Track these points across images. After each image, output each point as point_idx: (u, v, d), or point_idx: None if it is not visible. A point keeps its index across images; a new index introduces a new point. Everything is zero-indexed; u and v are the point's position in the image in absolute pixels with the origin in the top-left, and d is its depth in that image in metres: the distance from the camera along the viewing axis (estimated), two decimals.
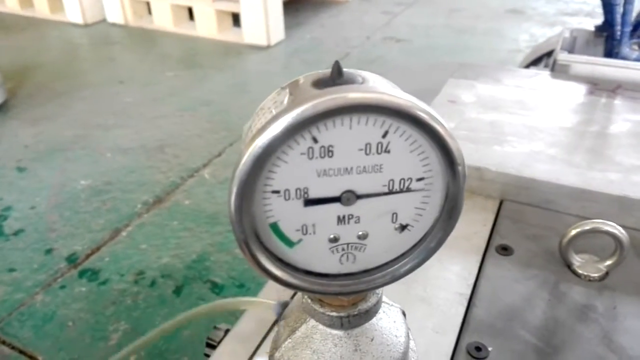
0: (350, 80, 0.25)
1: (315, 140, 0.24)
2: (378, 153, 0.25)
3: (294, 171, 0.24)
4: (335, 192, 0.25)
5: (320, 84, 0.25)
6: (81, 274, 1.43)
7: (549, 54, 1.26)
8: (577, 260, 0.58)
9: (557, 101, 0.89)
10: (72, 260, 1.48)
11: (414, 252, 0.27)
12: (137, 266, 1.45)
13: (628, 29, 1.01)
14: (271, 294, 0.60)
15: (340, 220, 0.26)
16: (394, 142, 0.24)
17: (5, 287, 1.39)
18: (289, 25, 3.24)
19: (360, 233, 0.27)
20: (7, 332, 1.26)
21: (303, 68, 2.78)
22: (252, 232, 0.26)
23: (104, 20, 3.54)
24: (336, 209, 0.26)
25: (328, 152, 0.24)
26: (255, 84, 2.70)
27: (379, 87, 0.24)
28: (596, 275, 0.57)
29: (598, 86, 0.95)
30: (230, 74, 2.78)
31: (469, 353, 0.49)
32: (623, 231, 0.55)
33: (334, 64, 0.25)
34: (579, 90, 0.94)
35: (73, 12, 3.48)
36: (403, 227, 0.27)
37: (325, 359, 0.30)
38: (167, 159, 2.00)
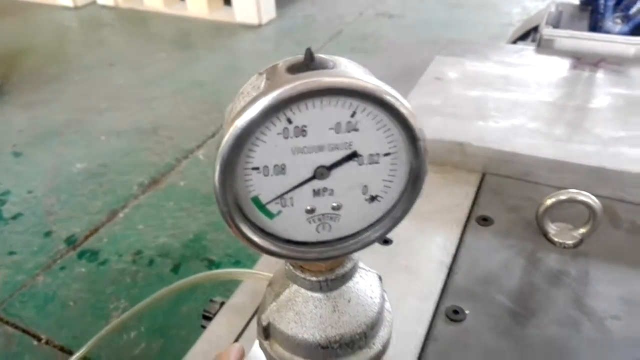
0: (321, 65, 0.27)
1: (289, 121, 0.26)
2: (347, 131, 0.27)
3: (272, 149, 0.27)
4: (309, 168, 0.28)
5: (295, 69, 0.27)
6: (80, 255, 1.46)
7: (536, 28, 1.28)
8: (552, 228, 0.61)
9: (540, 76, 0.92)
10: (70, 242, 1.51)
11: (382, 221, 0.30)
12: (135, 246, 1.48)
13: (611, 2, 1.02)
14: (265, 268, 0.62)
15: (316, 193, 0.29)
16: (362, 121, 0.27)
17: (6, 270, 1.42)
18: (280, 3, 3.23)
19: (334, 204, 0.29)
20: (10, 312, 1.29)
21: (295, 47, 2.78)
22: (235, 205, 0.28)
23: (94, 3, 3.52)
24: (312, 183, 0.28)
25: (302, 131, 0.27)
26: (247, 64, 2.70)
27: (348, 72, 0.26)
28: (571, 242, 0.61)
29: (581, 60, 0.97)
30: (222, 54, 2.78)
31: (447, 316, 0.53)
32: (597, 200, 0.58)
33: (306, 50, 0.27)
34: (562, 65, 0.96)
35: None
36: (373, 198, 0.30)
37: (307, 320, 0.33)
38: (161, 140, 2.02)
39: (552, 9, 1.16)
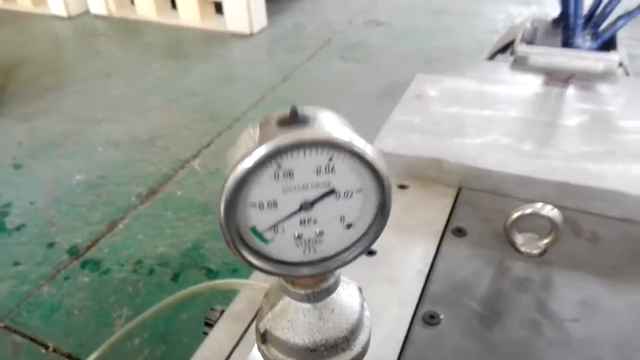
0: (304, 120, 0.33)
1: (279, 166, 0.33)
2: (326, 173, 0.33)
3: (265, 189, 0.33)
4: (296, 202, 0.34)
5: (283, 123, 0.33)
6: (83, 265, 1.52)
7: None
8: (519, 239, 0.68)
9: (513, 92, 0.98)
10: (73, 252, 1.57)
11: (358, 244, 0.37)
12: (135, 256, 1.54)
13: (580, 20, 1.09)
14: (260, 277, 0.69)
15: (302, 222, 0.35)
16: (337, 165, 0.33)
17: (11, 280, 1.47)
18: (271, 12, 3.29)
19: (317, 231, 0.36)
20: (17, 321, 1.35)
21: (287, 56, 2.85)
22: (237, 234, 0.34)
23: (87, 12, 3.57)
24: (298, 214, 0.35)
25: (289, 174, 0.33)
26: (240, 73, 2.77)
27: (325, 126, 0.33)
28: (536, 252, 0.67)
29: (552, 76, 1.04)
30: (215, 63, 2.84)
31: (424, 321, 0.59)
32: (558, 214, 0.64)
33: (291, 109, 0.33)
34: (534, 81, 1.03)
35: (56, 5, 3.50)
36: (349, 226, 0.36)
37: (297, 327, 0.39)
38: (157, 151, 2.08)
39: (528, 25, 1.24)
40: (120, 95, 2.53)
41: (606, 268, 0.65)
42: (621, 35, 1.17)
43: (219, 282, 0.74)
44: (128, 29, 3.35)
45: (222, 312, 0.70)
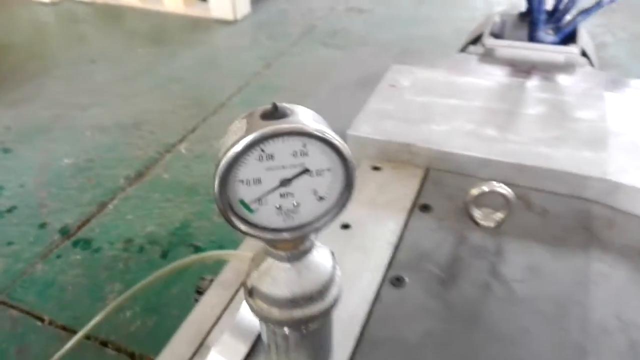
0: (283, 114, 0.41)
1: (262, 150, 0.40)
2: (301, 156, 0.41)
3: (251, 169, 0.41)
4: (277, 180, 0.42)
5: (265, 116, 0.41)
6: (75, 244, 1.59)
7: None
8: (478, 213, 0.77)
9: (479, 83, 1.07)
10: (64, 232, 1.63)
11: (328, 213, 0.45)
12: (126, 235, 1.61)
13: (543, 16, 1.17)
14: (246, 249, 0.77)
15: (282, 195, 0.43)
16: (310, 149, 0.41)
17: (6, 259, 1.54)
18: None
19: (294, 203, 0.43)
20: (13, 297, 1.41)
21: (270, 42, 2.90)
22: (228, 205, 0.42)
23: None
24: (279, 189, 0.43)
25: (271, 157, 0.41)
26: (223, 60, 2.82)
27: (300, 120, 0.41)
28: (492, 224, 0.76)
29: (516, 68, 1.12)
30: (199, 49, 2.89)
31: (391, 283, 0.68)
32: (511, 191, 0.73)
33: (272, 105, 0.41)
34: (499, 72, 1.11)
35: None
36: (321, 198, 0.44)
37: (279, 283, 0.47)
38: (143, 135, 2.14)
39: (497, 19, 1.32)
40: (105, 80, 2.57)
41: (552, 238, 0.74)
42: (595, 23, 1.25)
43: (207, 254, 0.82)
44: (111, 15, 3.37)
45: (211, 280, 0.77)
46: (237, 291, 0.72)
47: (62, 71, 2.65)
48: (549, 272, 0.69)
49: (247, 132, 0.39)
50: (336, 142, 0.41)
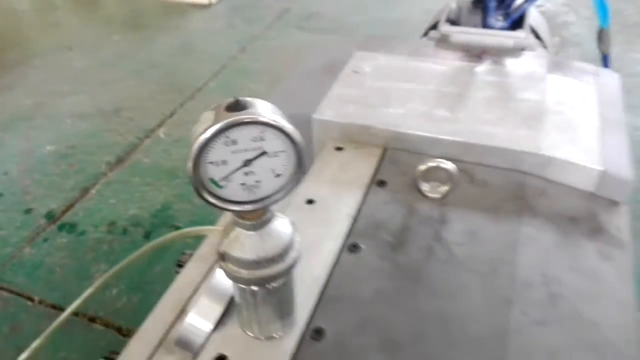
0: (245, 107, 0.50)
1: (227, 137, 0.49)
2: (260, 140, 0.50)
3: (219, 152, 0.50)
4: (240, 161, 0.51)
5: (230, 108, 0.50)
6: (60, 228, 1.66)
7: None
8: (426, 187, 0.87)
9: (434, 68, 1.16)
10: (50, 217, 1.70)
11: (285, 187, 0.54)
12: (109, 218, 1.69)
13: (493, 3, 1.27)
14: (223, 225, 0.85)
15: (245, 174, 0.52)
16: (267, 135, 0.50)
17: None
18: None
19: (256, 180, 0.52)
20: (3, 279, 1.49)
21: (245, 26, 2.95)
22: (200, 183, 0.51)
23: None
24: (242, 169, 0.52)
25: (235, 142, 0.50)
26: (199, 44, 2.87)
27: (259, 111, 0.49)
28: (438, 196, 0.86)
29: (468, 53, 1.22)
30: (175, 34, 2.93)
31: (349, 250, 0.77)
32: (454, 166, 0.83)
33: (235, 99, 0.50)
34: (453, 57, 1.21)
35: None
36: (278, 175, 0.53)
37: (246, 247, 0.56)
38: (123, 121, 2.20)
39: (453, 5, 1.41)
40: (83, 68, 2.61)
41: (490, 207, 0.85)
42: (560, 2, 1.34)
43: (186, 230, 0.91)
44: (86, 1, 3.38)
45: (191, 255, 0.86)
46: (214, 263, 0.81)
47: (40, 60, 2.68)
48: (485, 236, 0.79)
49: (214, 122, 0.48)
50: (287, 129, 0.50)
